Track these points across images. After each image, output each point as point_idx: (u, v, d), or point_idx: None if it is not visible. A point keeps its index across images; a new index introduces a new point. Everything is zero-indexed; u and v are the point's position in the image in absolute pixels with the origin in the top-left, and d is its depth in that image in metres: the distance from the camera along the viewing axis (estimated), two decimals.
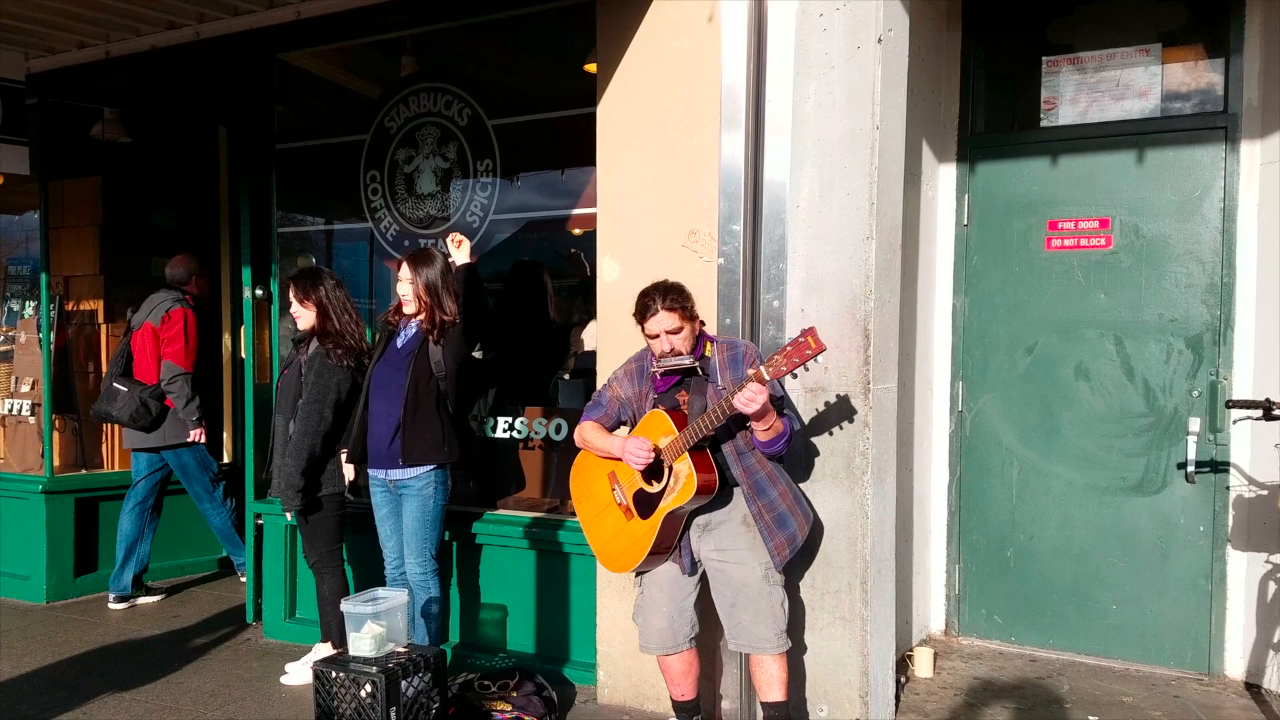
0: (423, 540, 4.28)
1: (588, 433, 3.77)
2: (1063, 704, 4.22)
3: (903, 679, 4.42)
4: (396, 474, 4.28)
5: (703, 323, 3.70)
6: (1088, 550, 4.74)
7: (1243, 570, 4.44)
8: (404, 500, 4.31)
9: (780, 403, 3.50)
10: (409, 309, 4.34)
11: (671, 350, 3.52)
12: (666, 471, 3.48)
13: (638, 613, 3.75)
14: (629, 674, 4.30)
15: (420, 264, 4.32)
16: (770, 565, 3.54)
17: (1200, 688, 4.40)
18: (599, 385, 4.34)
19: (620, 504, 3.66)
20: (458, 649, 4.85)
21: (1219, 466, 4.46)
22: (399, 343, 4.39)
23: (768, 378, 3.22)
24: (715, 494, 3.47)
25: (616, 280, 4.29)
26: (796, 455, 3.87)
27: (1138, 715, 4.10)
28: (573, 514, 4.75)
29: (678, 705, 3.80)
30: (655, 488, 3.52)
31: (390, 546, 4.42)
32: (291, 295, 4.65)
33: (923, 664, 4.55)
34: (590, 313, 4.77)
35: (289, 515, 4.67)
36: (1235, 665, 4.48)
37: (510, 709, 4.04)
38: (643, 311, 3.55)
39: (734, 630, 3.61)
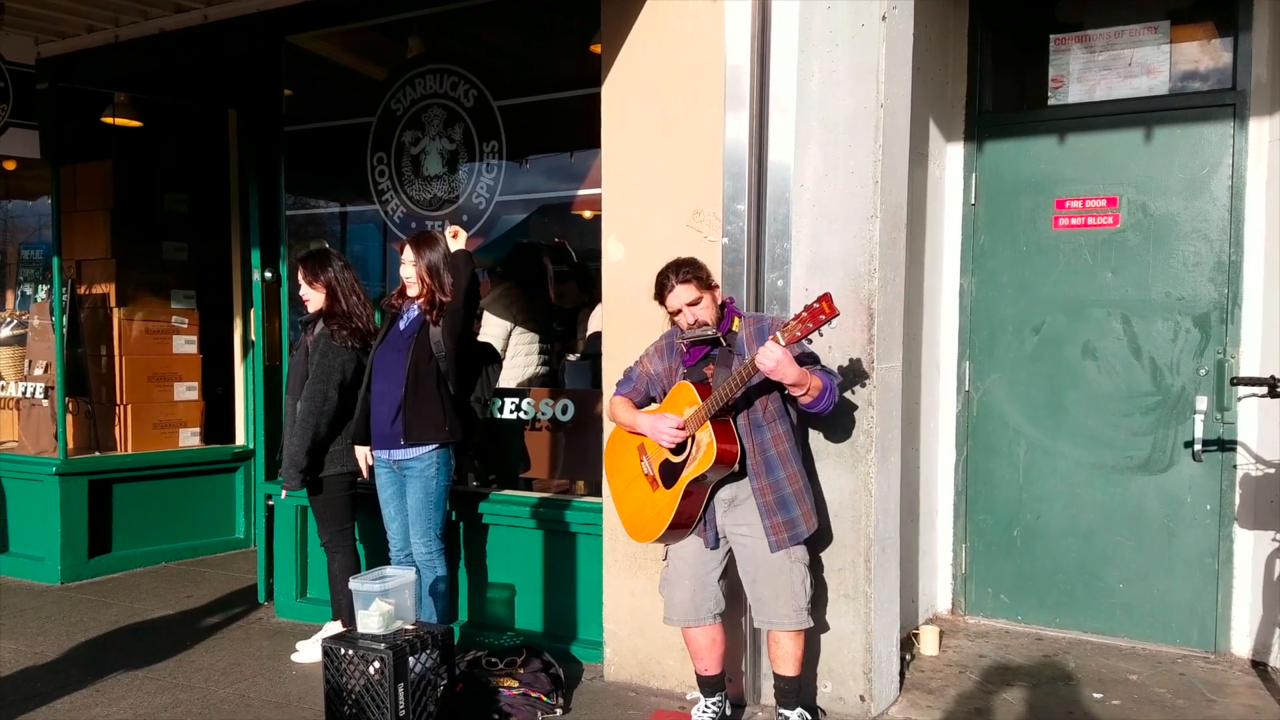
0: (427, 520, 4.32)
1: (617, 408, 3.82)
2: (1069, 681, 4.23)
3: (908, 657, 4.43)
4: (399, 454, 4.31)
5: (731, 299, 3.74)
6: (1095, 529, 4.74)
7: (1249, 549, 4.44)
8: (407, 481, 4.33)
9: (814, 359, 3.54)
10: (413, 291, 4.35)
11: (696, 322, 3.55)
12: (690, 441, 3.51)
13: (664, 585, 3.79)
14: (635, 652, 4.33)
15: (423, 246, 4.34)
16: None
17: (1206, 665, 4.40)
18: (604, 366, 4.37)
19: (647, 474, 3.69)
20: (466, 627, 4.89)
21: (1226, 445, 4.45)
22: (401, 325, 4.41)
23: (783, 343, 3.24)
24: (737, 464, 3.48)
25: (621, 261, 4.30)
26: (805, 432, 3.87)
27: (1143, 693, 4.10)
28: (580, 495, 4.81)
29: (702, 680, 3.81)
30: (679, 458, 3.55)
31: (394, 528, 4.45)
32: (300, 277, 4.67)
33: (928, 642, 4.57)
34: (591, 295, 4.77)
35: (284, 494, 4.70)
36: (1241, 643, 4.48)
37: (517, 685, 4.07)
38: (661, 290, 3.60)
39: (756, 605, 3.66)
